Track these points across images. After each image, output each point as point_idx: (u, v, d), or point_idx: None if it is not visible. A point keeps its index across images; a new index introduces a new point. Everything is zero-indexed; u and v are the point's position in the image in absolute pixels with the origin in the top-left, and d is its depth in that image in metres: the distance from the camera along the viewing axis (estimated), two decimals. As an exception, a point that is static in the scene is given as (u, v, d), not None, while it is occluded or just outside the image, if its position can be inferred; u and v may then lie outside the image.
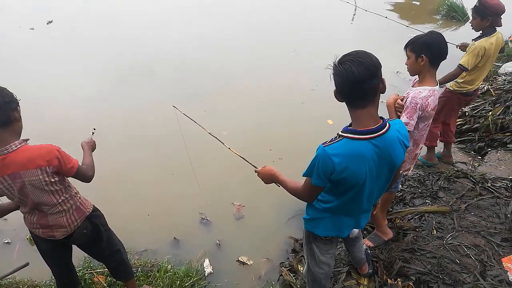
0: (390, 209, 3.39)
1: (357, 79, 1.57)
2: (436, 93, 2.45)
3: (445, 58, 2.49)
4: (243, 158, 2.47)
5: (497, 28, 3.35)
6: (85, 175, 2.16)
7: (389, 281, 2.75)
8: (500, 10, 3.27)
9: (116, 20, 9.04)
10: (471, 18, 3.44)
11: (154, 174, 4.40)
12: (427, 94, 2.42)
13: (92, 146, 2.43)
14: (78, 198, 2.20)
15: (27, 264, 3.09)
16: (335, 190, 1.84)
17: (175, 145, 4.23)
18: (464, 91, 3.54)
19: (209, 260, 3.33)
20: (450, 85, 3.61)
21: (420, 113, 2.43)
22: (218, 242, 3.55)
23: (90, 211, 2.26)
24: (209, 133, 2.76)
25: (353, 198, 1.84)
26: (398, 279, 2.74)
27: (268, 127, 5.19)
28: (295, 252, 3.35)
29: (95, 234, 2.32)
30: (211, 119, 5.15)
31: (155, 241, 3.56)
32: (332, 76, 1.67)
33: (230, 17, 9.25)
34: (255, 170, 2.25)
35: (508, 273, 2.66)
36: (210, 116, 5.28)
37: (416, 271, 2.74)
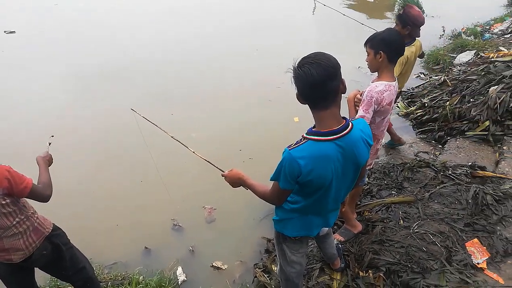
0: (358, 202, 3.46)
1: (316, 82, 1.58)
2: (392, 88, 2.51)
3: (402, 54, 2.57)
4: (208, 162, 2.40)
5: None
6: (42, 195, 2.02)
7: (360, 273, 2.81)
8: (420, 22, 3.44)
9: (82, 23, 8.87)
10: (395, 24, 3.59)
11: (121, 184, 4.29)
12: (382, 89, 2.47)
13: (48, 161, 2.28)
14: (35, 218, 2.07)
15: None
16: (303, 191, 1.85)
17: (142, 152, 4.11)
18: None
19: (182, 268, 3.27)
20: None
21: (376, 107, 2.49)
22: (191, 248, 3.50)
23: (50, 231, 2.13)
24: (172, 137, 2.65)
25: (321, 198, 1.86)
26: (369, 271, 2.80)
27: (237, 127, 5.21)
28: (269, 252, 3.36)
29: (56, 254, 2.20)
30: (180, 122, 5.14)
31: (125, 253, 3.46)
32: (292, 79, 1.67)
33: (195, 20, 9.24)
34: (222, 174, 2.21)
35: (472, 256, 2.77)
36: (178, 120, 5.25)
37: (386, 261, 2.81)
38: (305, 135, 1.71)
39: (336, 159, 1.70)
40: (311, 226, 2.07)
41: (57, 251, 2.19)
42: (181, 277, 3.18)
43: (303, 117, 4.99)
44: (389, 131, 4.24)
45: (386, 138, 4.38)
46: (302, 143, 1.68)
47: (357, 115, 2.48)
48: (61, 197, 3.95)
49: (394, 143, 4.37)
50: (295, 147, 1.68)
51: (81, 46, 7.77)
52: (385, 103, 2.50)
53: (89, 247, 3.38)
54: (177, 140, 2.64)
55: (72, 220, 3.73)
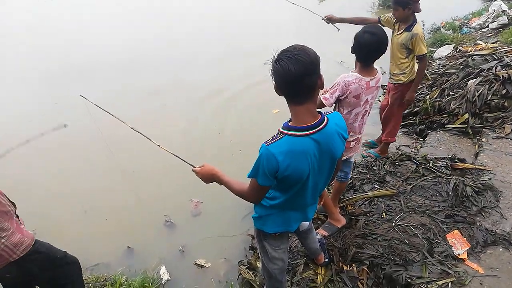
0: (342, 197, 3.47)
1: (294, 77, 1.56)
2: (363, 83, 2.51)
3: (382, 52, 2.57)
4: (177, 157, 2.22)
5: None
6: None
7: (344, 267, 2.82)
8: None
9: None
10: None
11: (101, 183, 4.22)
12: (351, 80, 2.49)
13: None
14: (1, 243, 1.94)
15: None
16: (281, 187, 1.83)
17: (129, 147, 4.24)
18: (412, 78, 3.67)
19: (165, 267, 3.24)
20: (398, 78, 3.69)
21: (340, 94, 2.52)
22: (181, 248, 3.46)
23: (20, 256, 1.99)
24: (132, 128, 2.42)
25: (298, 193, 1.85)
26: (353, 265, 2.82)
27: (223, 119, 5.34)
28: (253, 249, 3.34)
29: (27, 277, 2.11)
30: (168, 114, 5.30)
31: (107, 254, 3.41)
32: (270, 72, 1.65)
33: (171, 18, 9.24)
34: (192, 170, 2.08)
35: (453, 248, 2.81)
36: (167, 111, 5.39)
37: (369, 255, 2.83)
38: (281, 130, 1.69)
39: (312, 154, 1.69)
40: (290, 221, 2.06)
41: (29, 275, 2.09)
42: (165, 276, 3.15)
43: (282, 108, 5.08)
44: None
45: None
46: (279, 139, 1.66)
47: (321, 96, 2.51)
48: (40, 197, 3.95)
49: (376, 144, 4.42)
50: (272, 142, 1.66)
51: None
52: (350, 95, 2.52)
53: (70, 248, 3.32)
54: (139, 132, 2.40)
55: (52, 222, 3.68)
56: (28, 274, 2.09)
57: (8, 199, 2.08)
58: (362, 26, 2.62)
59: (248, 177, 1.80)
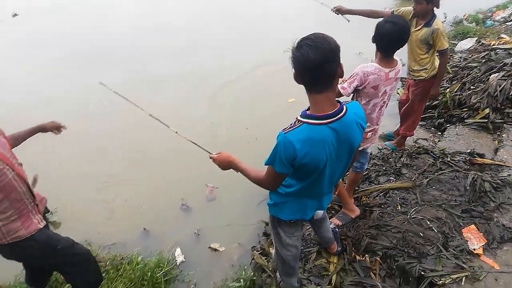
0: (357, 188, 3.47)
1: (313, 65, 1.56)
2: (382, 74, 2.49)
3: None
4: (195, 144, 2.26)
5: None
6: None
7: (357, 257, 2.84)
8: None
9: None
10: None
11: (119, 166, 4.31)
12: (370, 70, 2.47)
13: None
14: None
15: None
16: (297, 175, 1.84)
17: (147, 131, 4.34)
18: (433, 73, 3.61)
19: (180, 249, 3.30)
20: (418, 74, 3.63)
21: (358, 84, 2.50)
22: (196, 231, 3.51)
23: (8, 241, 2.05)
24: (150, 115, 2.45)
25: (315, 182, 1.86)
26: (366, 255, 2.83)
27: (239, 107, 5.37)
28: (267, 235, 3.38)
29: (24, 259, 2.32)
30: (185, 101, 5.36)
31: (124, 234, 3.48)
32: (290, 60, 1.65)
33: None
34: (209, 156, 2.12)
35: (468, 242, 2.80)
36: (183, 98, 5.45)
37: (383, 246, 2.83)
38: (299, 118, 1.69)
39: (330, 143, 1.69)
40: (305, 209, 2.07)
41: (25, 258, 2.27)
42: (180, 258, 3.21)
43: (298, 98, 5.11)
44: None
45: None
46: (297, 126, 1.66)
47: (338, 86, 2.49)
48: (60, 179, 4.05)
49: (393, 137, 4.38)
50: (290, 130, 1.66)
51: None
52: (369, 86, 2.50)
53: (88, 229, 3.43)
54: (157, 119, 2.42)
55: (72, 202, 3.77)
56: (23, 257, 2.24)
57: (30, 189, 2.13)
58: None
59: (265, 164, 1.81)
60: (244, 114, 5.24)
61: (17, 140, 2.34)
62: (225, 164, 2.04)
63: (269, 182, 1.87)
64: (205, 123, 4.98)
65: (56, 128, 2.57)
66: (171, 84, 5.98)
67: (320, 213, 2.49)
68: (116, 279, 2.91)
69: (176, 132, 2.33)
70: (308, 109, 1.72)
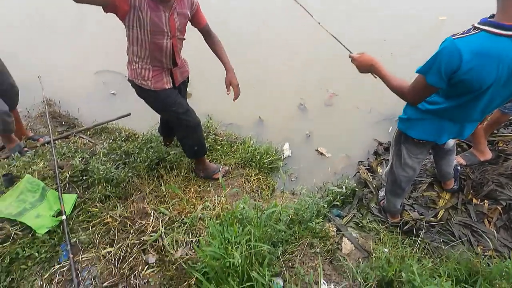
0: (496, 131, 3.06)
1: None
2: None
3: None
4: (336, 39, 2.06)
5: None
6: None
7: (474, 200, 2.61)
8: None
9: None
10: None
11: (249, 55, 4.38)
12: None
13: None
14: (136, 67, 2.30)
15: (129, 114, 3.43)
16: (449, 92, 1.62)
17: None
18: None
19: (288, 144, 3.40)
20: None
21: None
22: (308, 133, 3.56)
23: (138, 83, 2.37)
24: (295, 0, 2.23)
25: (467, 104, 1.62)
26: (486, 201, 2.58)
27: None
28: (377, 154, 3.27)
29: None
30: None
31: (240, 118, 3.69)
32: None
33: None
34: (349, 55, 1.93)
35: None
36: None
37: (509, 197, 2.54)
38: (477, 25, 1.42)
39: (507, 62, 1.41)
40: (442, 132, 1.85)
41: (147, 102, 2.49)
42: (287, 152, 3.33)
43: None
44: None
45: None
46: (472, 34, 1.41)
47: None
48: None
49: None
50: (462, 36, 1.42)
51: None
52: None
53: (212, 107, 3.65)
54: (301, 5, 2.21)
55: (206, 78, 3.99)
56: (148, 102, 2.46)
57: (174, 58, 2.34)
58: None
59: (417, 72, 1.60)
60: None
61: None
62: (366, 66, 1.84)
63: (413, 94, 1.63)
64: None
65: None
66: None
67: (451, 143, 2.28)
68: (229, 154, 3.17)
69: (319, 23, 2.18)
70: (492, 16, 1.43)
